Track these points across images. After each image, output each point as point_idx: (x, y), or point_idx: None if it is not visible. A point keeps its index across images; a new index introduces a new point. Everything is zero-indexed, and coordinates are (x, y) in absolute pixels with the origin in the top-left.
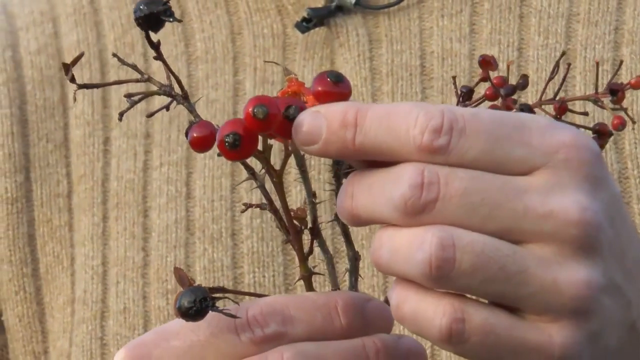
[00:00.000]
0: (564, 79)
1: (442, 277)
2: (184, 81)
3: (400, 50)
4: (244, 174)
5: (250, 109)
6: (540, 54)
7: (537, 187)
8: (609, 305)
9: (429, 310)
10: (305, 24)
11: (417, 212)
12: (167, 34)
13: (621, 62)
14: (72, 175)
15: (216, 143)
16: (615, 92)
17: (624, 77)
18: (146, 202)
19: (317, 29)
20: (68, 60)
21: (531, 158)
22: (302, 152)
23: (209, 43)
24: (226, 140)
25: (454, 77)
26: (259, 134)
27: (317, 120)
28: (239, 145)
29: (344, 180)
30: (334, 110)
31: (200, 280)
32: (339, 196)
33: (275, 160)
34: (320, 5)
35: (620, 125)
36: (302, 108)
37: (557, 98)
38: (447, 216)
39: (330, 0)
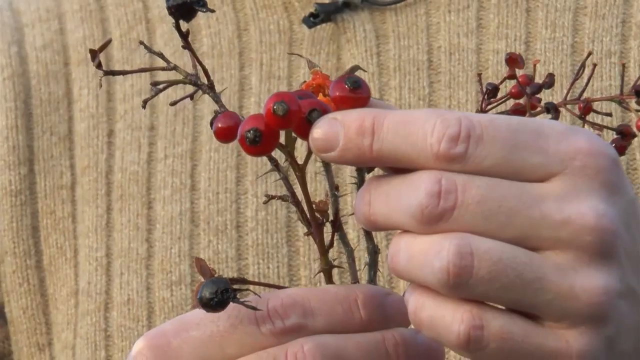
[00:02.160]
0: (589, 79)
1: (460, 285)
2: None
3: (407, 45)
4: (250, 166)
5: (270, 105)
6: (548, 47)
7: (553, 194)
8: (625, 310)
9: (447, 317)
10: (313, 19)
11: (434, 220)
12: (173, 29)
13: None
14: (76, 167)
15: (237, 138)
16: None
17: (632, 71)
18: (150, 194)
19: (324, 24)
20: (74, 58)
21: (548, 165)
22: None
23: (215, 39)
24: (247, 135)
25: (479, 74)
26: (279, 129)
27: (334, 128)
28: (260, 141)
29: (366, 175)
30: (351, 117)
31: None
32: (356, 202)
33: (298, 152)
34: (327, 1)
35: None
36: (325, 112)
37: (582, 98)
38: (465, 224)
39: None
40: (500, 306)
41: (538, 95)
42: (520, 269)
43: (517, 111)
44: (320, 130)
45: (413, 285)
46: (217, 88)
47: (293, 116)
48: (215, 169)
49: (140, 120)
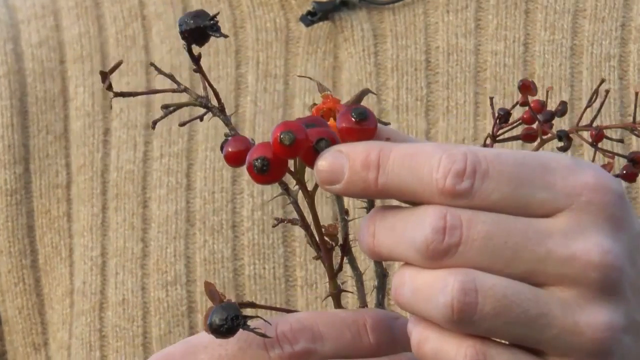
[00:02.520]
0: (601, 106)
1: (464, 321)
2: (186, 74)
3: (405, 45)
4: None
5: (277, 135)
6: (547, 49)
7: (559, 231)
8: (629, 345)
9: (450, 352)
10: (310, 18)
11: (439, 256)
12: (169, 27)
13: None
14: (72, 166)
15: (245, 165)
16: None
17: (631, 74)
18: (146, 193)
19: (321, 23)
20: (69, 55)
21: (554, 200)
22: None
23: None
24: (255, 164)
25: (491, 98)
26: (287, 158)
27: (339, 160)
28: (267, 170)
29: (376, 201)
30: (356, 150)
31: (200, 271)
32: (360, 232)
33: (308, 176)
34: (325, 0)
35: None
36: (333, 141)
37: (594, 125)
38: (470, 260)
39: None
40: (504, 342)
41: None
42: (525, 305)
43: (528, 136)
44: (325, 162)
45: (417, 318)
46: (214, 86)
47: (300, 145)
48: (211, 168)
49: (136, 119)
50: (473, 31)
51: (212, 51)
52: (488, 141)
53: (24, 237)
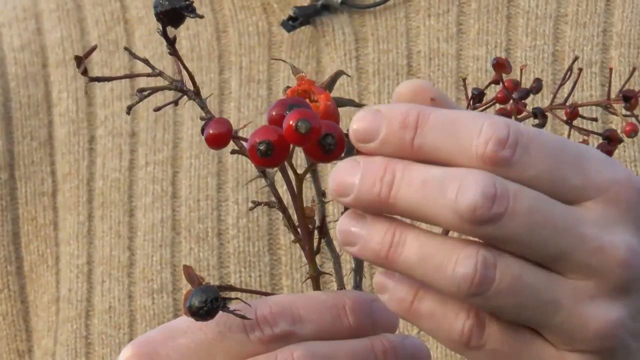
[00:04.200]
0: (574, 84)
1: (478, 295)
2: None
3: (386, 49)
4: (230, 173)
5: (294, 121)
6: (528, 55)
7: (591, 219)
8: (634, 348)
9: (450, 315)
10: (291, 23)
11: (482, 223)
12: (152, 31)
13: (634, 69)
14: (57, 174)
15: (247, 147)
16: (629, 98)
17: (613, 81)
18: (132, 201)
19: (303, 27)
20: (52, 59)
21: (585, 189)
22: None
23: (194, 41)
24: (259, 147)
25: (464, 79)
26: (295, 145)
27: (377, 118)
28: (271, 154)
29: None
30: (395, 111)
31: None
32: (362, 174)
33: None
34: (306, 4)
35: (633, 132)
36: (340, 137)
37: (569, 103)
38: (510, 232)
39: None
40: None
41: (523, 101)
42: (538, 289)
43: (503, 115)
44: (361, 120)
45: (401, 277)
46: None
47: (314, 134)
48: (196, 176)
49: (121, 127)
50: (455, 36)
51: (195, 56)
52: None
53: (9, 243)
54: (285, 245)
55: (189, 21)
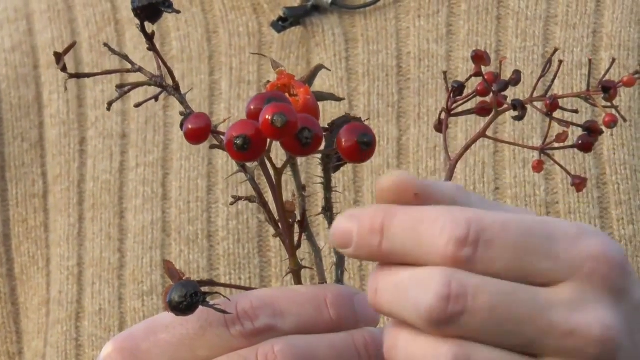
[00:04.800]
0: (555, 75)
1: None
2: None
3: (376, 50)
4: (220, 174)
5: (269, 115)
6: (518, 56)
7: (561, 302)
8: None
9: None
10: (281, 23)
11: (441, 324)
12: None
13: (613, 60)
14: (48, 175)
15: (224, 141)
16: (608, 89)
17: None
18: (122, 203)
19: (293, 28)
20: (43, 60)
21: (557, 271)
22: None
23: (184, 42)
24: (235, 141)
25: (444, 72)
26: (272, 139)
27: (349, 225)
28: (248, 148)
29: (332, 175)
30: (364, 215)
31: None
32: (368, 283)
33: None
34: (296, 5)
35: (612, 123)
36: (318, 134)
37: (549, 95)
38: (471, 329)
39: None
40: None
41: (504, 93)
42: None
43: (483, 110)
44: (338, 227)
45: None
46: (188, 93)
47: (290, 128)
48: (186, 178)
49: (112, 128)
50: (444, 37)
51: (185, 57)
52: (443, 115)
53: (0, 245)
54: (275, 247)
55: (180, 22)
